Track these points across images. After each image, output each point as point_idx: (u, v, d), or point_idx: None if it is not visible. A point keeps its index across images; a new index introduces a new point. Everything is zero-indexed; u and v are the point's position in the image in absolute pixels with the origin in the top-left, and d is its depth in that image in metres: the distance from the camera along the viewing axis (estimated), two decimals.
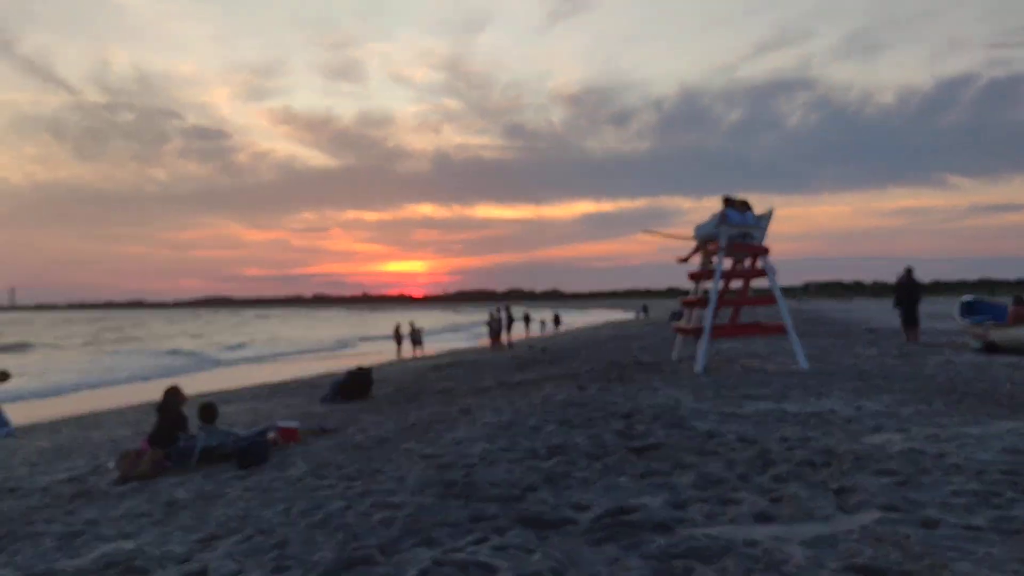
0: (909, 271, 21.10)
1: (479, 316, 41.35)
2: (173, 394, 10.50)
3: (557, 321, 52.70)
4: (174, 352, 48.64)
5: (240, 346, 53.75)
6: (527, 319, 49.17)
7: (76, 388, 28.70)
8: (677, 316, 39.47)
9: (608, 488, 5.81)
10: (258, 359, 43.31)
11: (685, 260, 16.46)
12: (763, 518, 4.76)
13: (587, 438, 7.77)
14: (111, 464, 10.05)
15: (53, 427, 16.60)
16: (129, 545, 5.92)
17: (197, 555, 5.41)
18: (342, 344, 54.09)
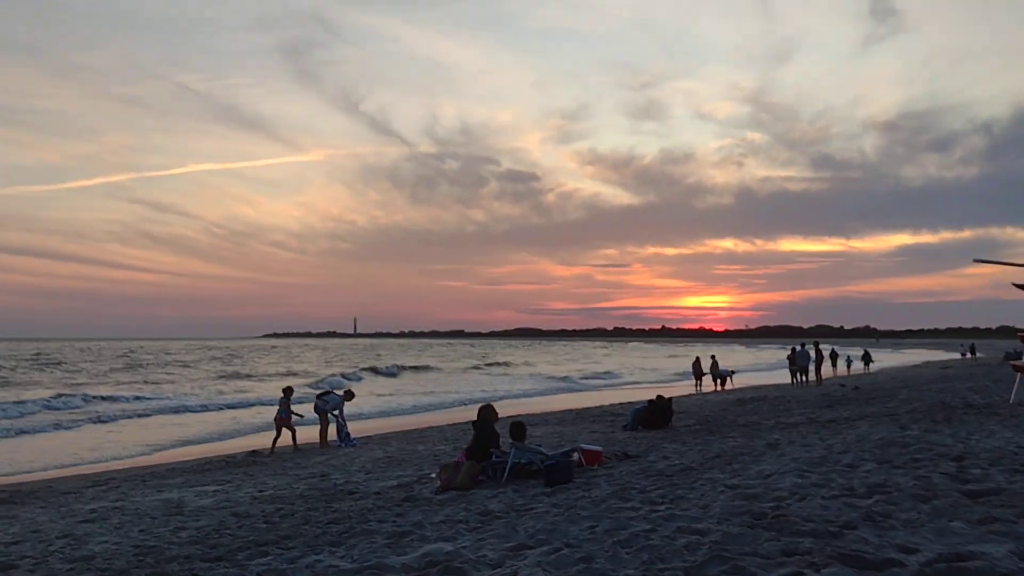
0: None
1: (783, 352, 39.24)
2: (487, 412, 11.18)
3: (867, 359, 47.65)
4: (551, 377, 52.47)
5: (607, 374, 56.74)
6: (834, 356, 45.83)
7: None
8: (1015, 356, 34.72)
9: (939, 532, 5.23)
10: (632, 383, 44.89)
11: None
12: None
13: (912, 479, 7.07)
14: (433, 474, 10.91)
15: (384, 439, 18.39)
16: (448, 547, 6.36)
17: (508, 562, 5.69)
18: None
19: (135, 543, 7.87)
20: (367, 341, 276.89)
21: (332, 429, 17.53)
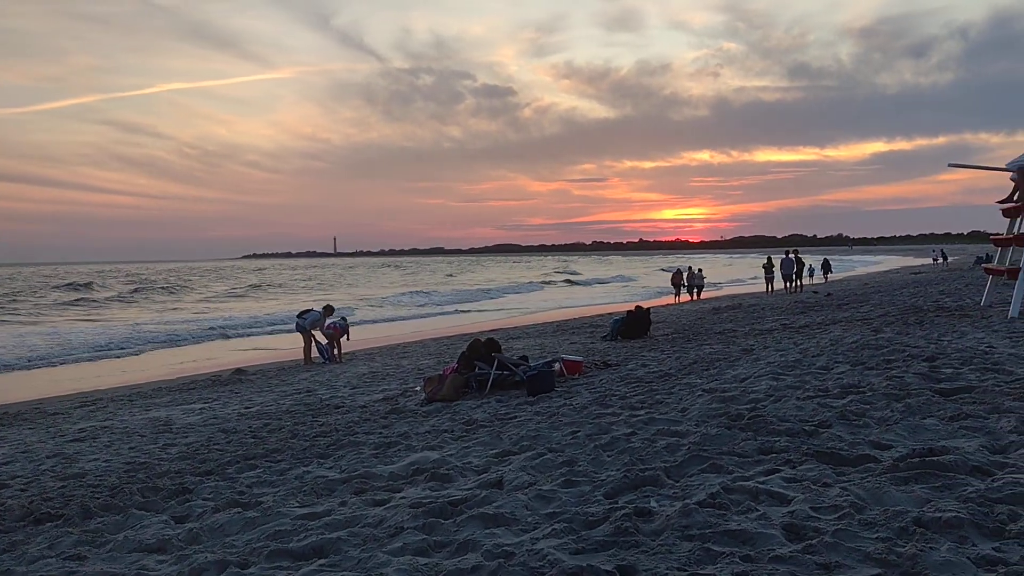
0: None
1: (759, 262, 39.45)
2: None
3: (827, 268, 46.85)
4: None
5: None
6: (799, 266, 45.40)
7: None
8: (986, 260, 35.21)
9: (913, 429, 5.40)
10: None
11: (1006, 202, 14.47)
12: None
13: (885, 379, 7.24)
14: (418, 388, 11.06)
15: (369, 355, 18.57)
16: (435, 455, 6.51)
17: (494, 467, 5.83)
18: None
19: (125, 460, 7.96)
20: (353, 260, 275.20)
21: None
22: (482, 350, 10.94)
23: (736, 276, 64.36)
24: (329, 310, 18.73)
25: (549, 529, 4.08)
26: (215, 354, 22.28)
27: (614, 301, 37.62)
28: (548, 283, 68.29)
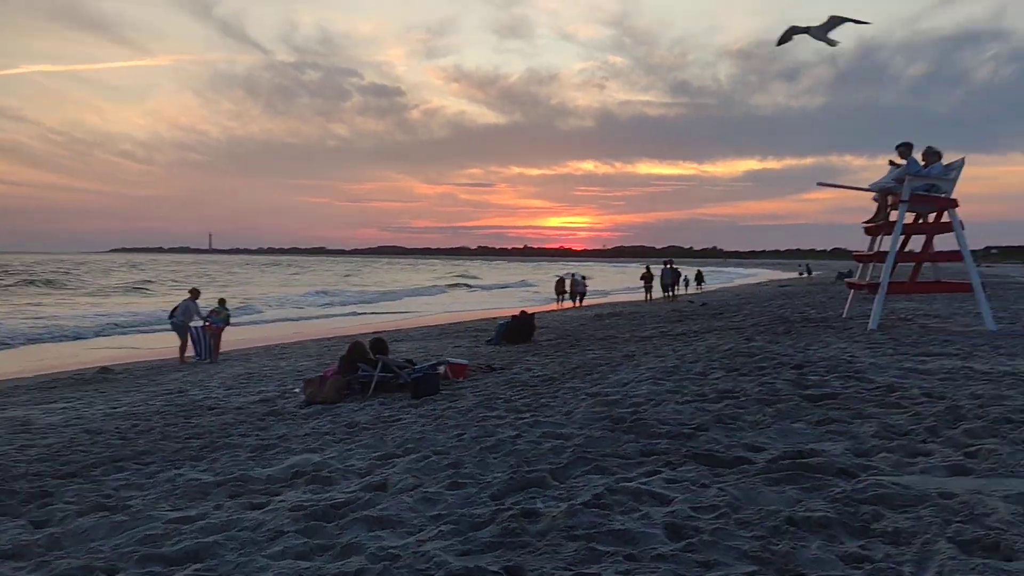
0: None
1: (638, 271, 40.70)
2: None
3: (700, 279, 48.63)
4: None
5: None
6: (676, 276, 47.26)
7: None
8: (848, 275, 37.45)
9: (783, 432, 5.66)
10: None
11: (869, 222, 15.39)
12: (958, 471, 4.49)
13: (757, 385, 7.56)
14: (297, 389, 10.77)
15: (245, 355, 17.97)
16: (316, 458, 6.34)
17: (377, 470, 5.73)
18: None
19: None
20: (234, 259, 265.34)
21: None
22: (365, 351, 10.77)
23: (628, 284, 66.17)
24: (195, 293, 18.03)
25: (435, 531, 4.04)
26: (79, 352, 21.06)
27: (520, 304, 37.92)
28: (455, 286, 69.17)
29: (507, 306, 38.15)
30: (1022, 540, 3.34)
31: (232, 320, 18.88)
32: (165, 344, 18.82)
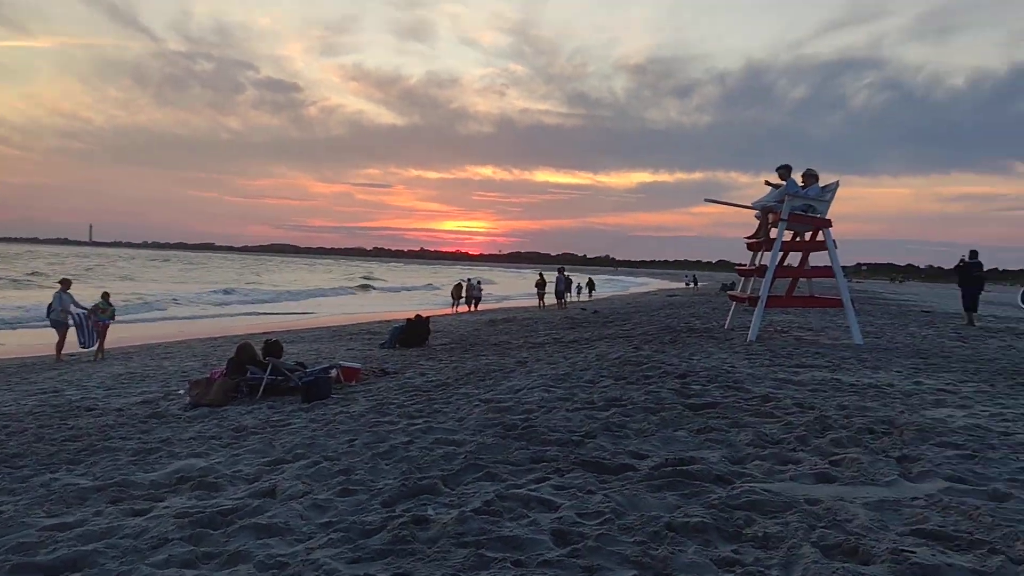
0: (974, 254, 20.53)
1: (532, 277, 41.41)
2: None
3: (591, 286, 49.60)
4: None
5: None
6: (568, 283, 48.07)
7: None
8: (730, 287, 39.03)
9: (666, 440, 5.90)
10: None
11: (751, 238, 16.13)
12: (824, 478, 4.81)
13: (643, 393, 7.84)
14: (182, 391, 10.45)
15: (126, 354, 17.26)
16: (201, 463, 6.20)
17: (266, 476, 5.66)
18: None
19: None
20: (117, 251, 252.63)
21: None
22: (255, 353, 10.56)
23: (525, 290, 66.78)
24: (66, 283, 17.26)
25: (325, 539, 4.04)
26: None
27: (420, 307, 37.68)
28: (363, 287, 68.95)
29: (405, 308, 38.02)
30: (879, 545, 3.62)
31: (116, 317, 18.15)
32: (40, 340, 17.87)
